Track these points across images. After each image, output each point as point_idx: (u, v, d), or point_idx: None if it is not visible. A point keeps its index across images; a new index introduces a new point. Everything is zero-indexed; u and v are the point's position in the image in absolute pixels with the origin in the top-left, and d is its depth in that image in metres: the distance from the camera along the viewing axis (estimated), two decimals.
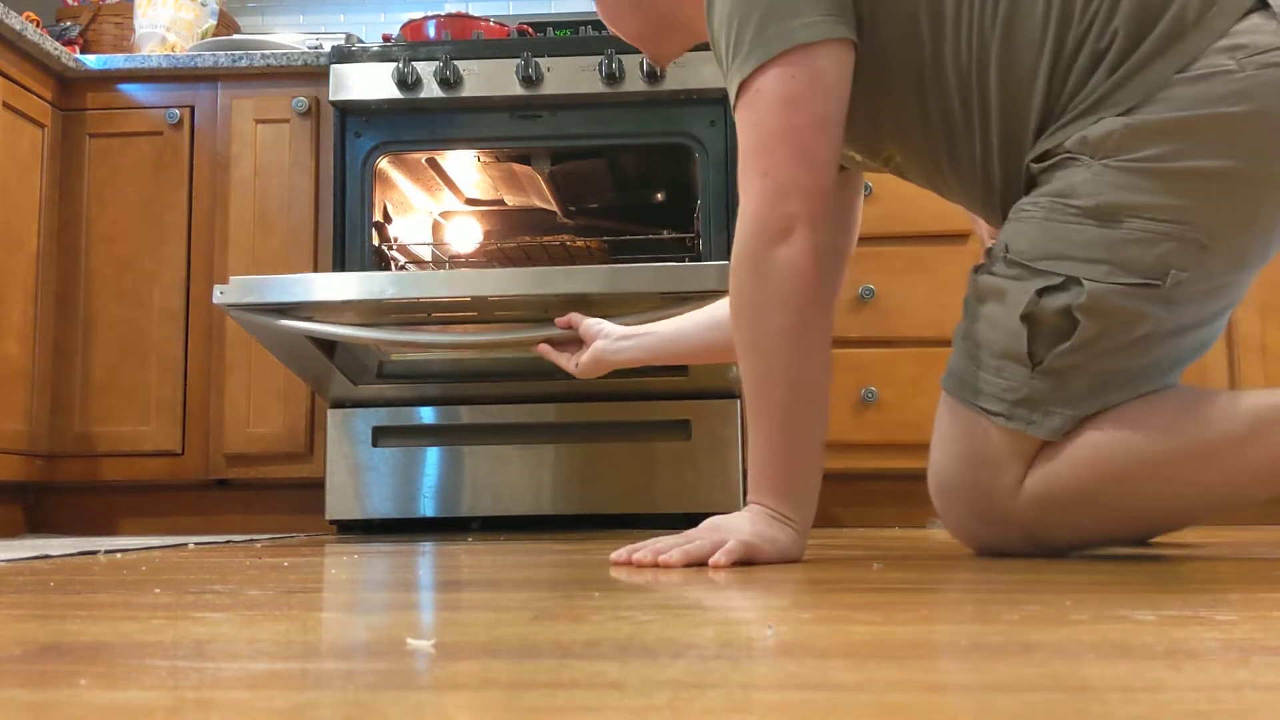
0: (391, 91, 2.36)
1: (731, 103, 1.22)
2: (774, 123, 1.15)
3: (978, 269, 1.23)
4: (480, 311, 1.93)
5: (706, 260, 2.32)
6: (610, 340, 1.61)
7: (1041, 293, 1.13)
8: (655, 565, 1.08)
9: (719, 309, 1.52)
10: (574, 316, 1.67)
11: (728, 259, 2.30)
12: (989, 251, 1.22)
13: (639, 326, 1.62)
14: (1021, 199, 1.21)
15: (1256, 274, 1.26)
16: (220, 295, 1.86)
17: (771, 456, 1.14)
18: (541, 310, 1.90)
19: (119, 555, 1.46)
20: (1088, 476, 1.14)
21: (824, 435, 1.18)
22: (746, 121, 1.18)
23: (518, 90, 2.34)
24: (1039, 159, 1.19)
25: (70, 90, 2.51)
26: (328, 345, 1.99)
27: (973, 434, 1.19)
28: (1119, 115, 1.13)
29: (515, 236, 2.65)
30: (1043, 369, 1.14)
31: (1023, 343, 1.14)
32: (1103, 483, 1.14)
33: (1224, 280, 1.19)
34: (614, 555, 1.14)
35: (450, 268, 2.78)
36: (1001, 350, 1.16)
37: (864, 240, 2.35)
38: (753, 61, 1.15)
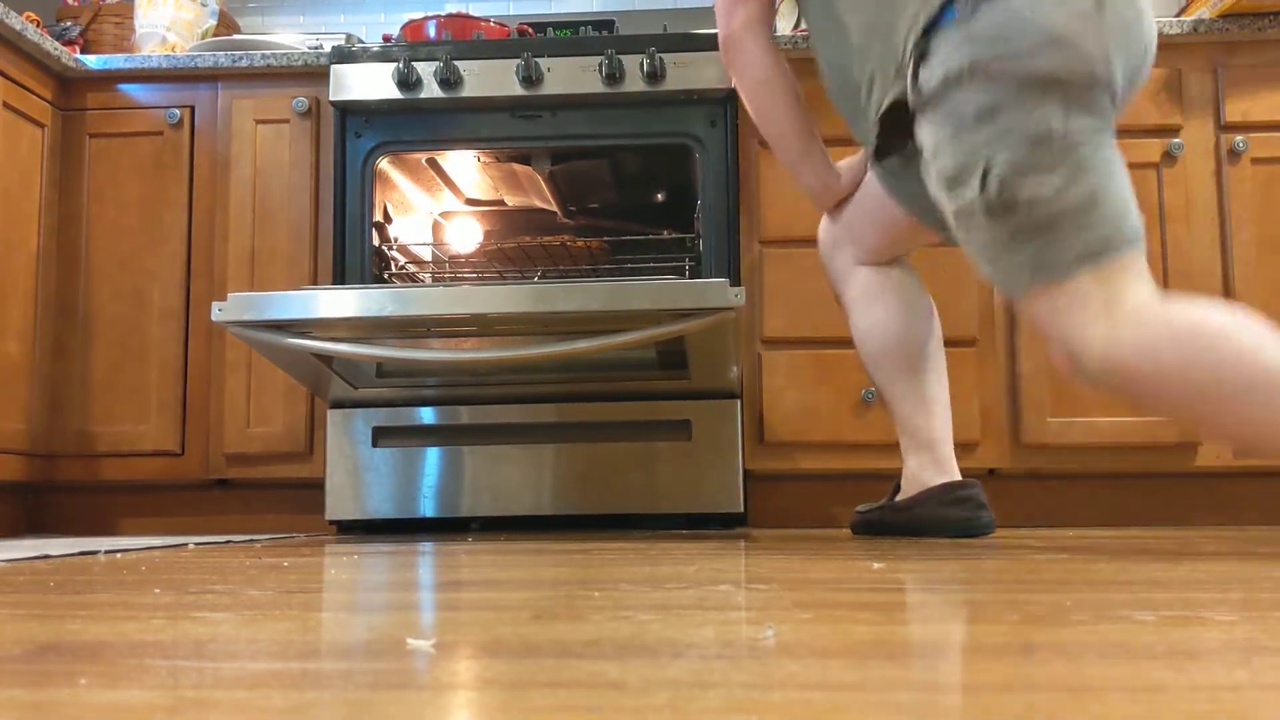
0: (392, 91, 2.36)
1: None
2: None
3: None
4: (480, 327, 1.92)
5: (707, 261, 2.32)
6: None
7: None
8: None
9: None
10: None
11: (728, 259, 2.31)
12: None
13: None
14: None
15: None
16: (219, 312, 1.85)
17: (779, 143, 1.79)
18: (541, 326, 1.90)
19: (119, 555, 1.46)
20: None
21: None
22: None
23: (518, 90, 2.34)
24: None
25: (70, 90, 2.51)
26: (327, 355, 1.99)
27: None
28: None
29: (515, 236, 2.65)
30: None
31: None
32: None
33: None
34: None
35: (450, 268, 2.78)
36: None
37: None
38: None
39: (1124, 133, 2.36)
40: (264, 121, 2.47)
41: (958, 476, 1.77)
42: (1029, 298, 1.39)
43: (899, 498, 1.85)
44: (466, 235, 2.82)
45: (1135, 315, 1.32)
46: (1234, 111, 2.35)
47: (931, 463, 1.79)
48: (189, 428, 2.42)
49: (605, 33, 2.78)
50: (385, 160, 2.43)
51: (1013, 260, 1.38)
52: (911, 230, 1.75)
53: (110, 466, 2.42)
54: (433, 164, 2.58)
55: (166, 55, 2.56)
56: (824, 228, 1.88)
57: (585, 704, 0.42)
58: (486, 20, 2.67)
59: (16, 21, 2.28)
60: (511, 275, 2.65)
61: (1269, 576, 0.96)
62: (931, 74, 1.40)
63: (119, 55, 2.56)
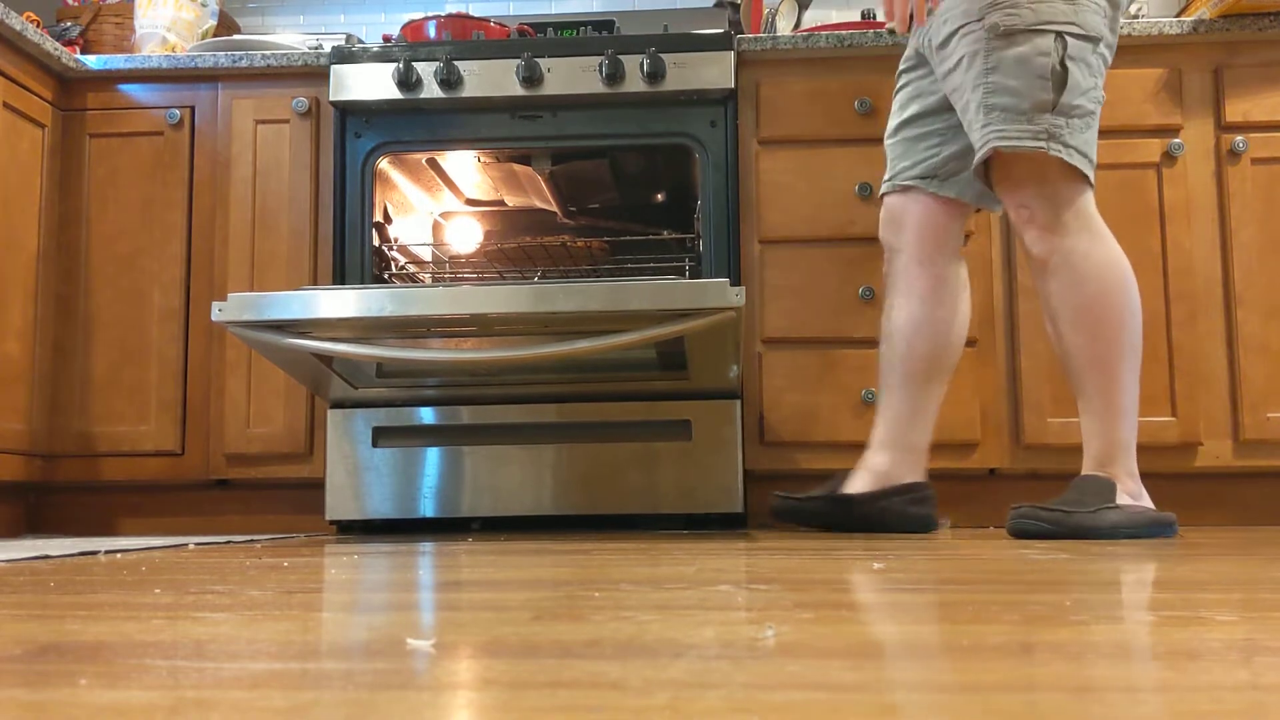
0: (392, 92, 2.36)
1: None
2: None
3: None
4: (480, 327, 1.92)
5: (707, 261, 2.32)
6: None
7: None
8: None
9: None
10: None
11: (728, 259, 2.31)
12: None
13: None
14: None
15: None
16: (219, 313, 1.85)
17: None
18: (541, 326, 1.90)
19: (119, 555, 1.46)
20: None
21: None
22: None
23: (518, 91, 2.34)
24: None
25: (70, 90, 2.51)
26: (327, 355, 1.99)
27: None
28: None
29: (515, 236, 2.65)
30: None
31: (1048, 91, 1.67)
32: None
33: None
34: None
35: (450, 268, 2.78)
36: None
37: (865, 240, 2.36)
38: None
39: (1124, 133, 2.36)
40: (264, 121, 2.47)
41: (924, 478, 1.93)
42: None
43: (851, 490, 1.93)
44: (466, 235, 2.82)
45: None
46: (1234, 111, 2.35)
47: (907, 464, 1.92)
48: (189, 428, 2.42)
49: (605, 33, 2.78)
50: (385, 160, 2.43)
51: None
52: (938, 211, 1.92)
53: (110, 466, 2.42)
54: (433, 164, 2.58)
55: (166, 55, 2.56)
56: (883, 226, 1.97)
57: (586, 704, 0.42)
58: (486, 20, 2.67)
59: (16, 21, 2.28)
60: (511, 275, 2.65)
61: (1269, 576, 0.96)
62: None
63: (119, 55, 2.56)
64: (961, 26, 1.74)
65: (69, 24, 2.86)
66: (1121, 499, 1.69)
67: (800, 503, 2.00)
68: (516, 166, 2.57)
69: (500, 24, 2.65)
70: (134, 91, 2.52)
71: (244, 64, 2.47)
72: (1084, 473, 1.75)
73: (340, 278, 2.37)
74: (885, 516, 1.89)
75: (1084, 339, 1.71)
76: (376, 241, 2.42)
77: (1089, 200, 1.73)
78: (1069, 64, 1.67)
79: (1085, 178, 1.72)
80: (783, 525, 2.36)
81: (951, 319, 1.91)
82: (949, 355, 1.92)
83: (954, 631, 0.61)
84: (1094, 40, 1.70)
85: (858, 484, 1.93)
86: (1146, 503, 1.73)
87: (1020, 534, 1.72)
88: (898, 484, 1.90)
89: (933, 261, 1.90)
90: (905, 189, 1.93)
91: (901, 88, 1.97)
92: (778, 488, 2.37)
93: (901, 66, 1.98)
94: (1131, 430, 1.73)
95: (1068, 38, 1.66)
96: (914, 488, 1.91)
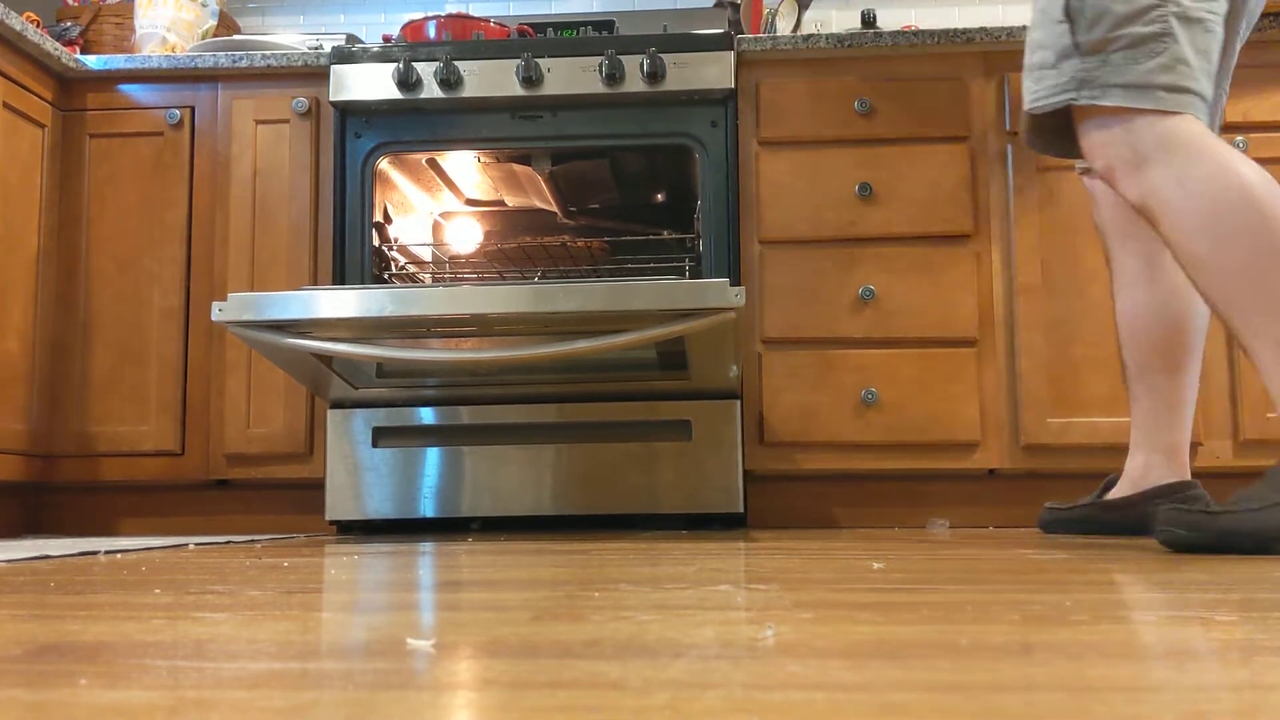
0: (392, 92, 2.36)
1: None
2: None
3: None
4: (480, 327, 1.93)
5: (707, 260, 2.32)
6: None
7: None
8: None
9: None
10: None
11: (728, 259, 2.31)
12: None
13: None
14: None
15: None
16: (219, 313, 1.85)
17: None
18: (541, 326, 1.90)
19: (119, 555, 1.46)
20: None
21: None
22: None
23: (518, 91, 2.34)
24: None
25: (70, 90, 2.51)
26: (327, 355, 1.99)
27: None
28: None
29: (515, 237, 2.65)
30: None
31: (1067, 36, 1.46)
32: None
33: None
34: None
35: (451, 268, 2.78)
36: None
37: (865, 241, 2.36)
38: None
39: None
40: (264, 122, 2.47)
41: (1188, 477, 1.76)
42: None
43: (1112, 495, 1.83)
44: (466, 235, 2.82)
45: None
46: (1234, 111, 2.35)
47: (1163, 464, 1.77)
48: (189, 428, 2.42)
49: (605, 33, 2.78)
50: (385, 160, 2.43)
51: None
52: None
53: (110, 466, 2.42)
54: (433, 164, 2.58)
55: (166, 55, 2.55)
56: (1094, 214, 1.85)
57: (585, 704, 0.42)
58: (486, 20, 2.67)
59: (16, 22, 2.28)
60: (511, 275, 2.65)
61: (1269, 577, 0.96)
62: None
63: (119, 55, 2.56)
64: None
65: (69, 24, 2.86)
66: None
67: (1066, 512, 1.90)
68: (516, 166, 2.57)
69: (500, 24, 2.65)
70: (134, 91, 2.52)
71: (244, 64, 2.47)
72: None
73: (340, 278, 2.37)
74: (1149, 520, 1.69)
75: (1217, 279, 1.41)
76: (376, 241, 2.42)
77: (1176, 124, 1.43)
78: None
79: (1161, 112, 1.43)
80: (787, 526, 2.36)
81: (1171, 296, 1.72)
82: (1182, 337, 1.72)
83: (954, 631, 0.61)
84: None
85: (1119, 490, 1.82)
86: None
87: (1169, 545, 1.37)
88: (1157, 485, 1.76)
89: (1132, 236, 1.74)
90: (1085, 170, 1.79)
91: None
92: (778, 488, 2.38)
93: None
94: None
95: None
96: (1176, 488, 1.73)
